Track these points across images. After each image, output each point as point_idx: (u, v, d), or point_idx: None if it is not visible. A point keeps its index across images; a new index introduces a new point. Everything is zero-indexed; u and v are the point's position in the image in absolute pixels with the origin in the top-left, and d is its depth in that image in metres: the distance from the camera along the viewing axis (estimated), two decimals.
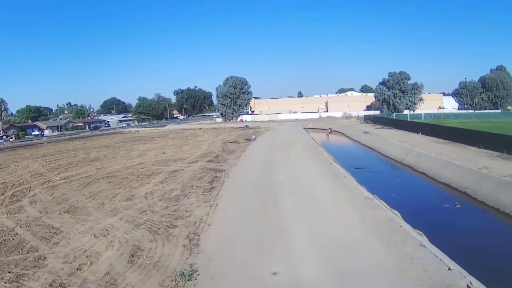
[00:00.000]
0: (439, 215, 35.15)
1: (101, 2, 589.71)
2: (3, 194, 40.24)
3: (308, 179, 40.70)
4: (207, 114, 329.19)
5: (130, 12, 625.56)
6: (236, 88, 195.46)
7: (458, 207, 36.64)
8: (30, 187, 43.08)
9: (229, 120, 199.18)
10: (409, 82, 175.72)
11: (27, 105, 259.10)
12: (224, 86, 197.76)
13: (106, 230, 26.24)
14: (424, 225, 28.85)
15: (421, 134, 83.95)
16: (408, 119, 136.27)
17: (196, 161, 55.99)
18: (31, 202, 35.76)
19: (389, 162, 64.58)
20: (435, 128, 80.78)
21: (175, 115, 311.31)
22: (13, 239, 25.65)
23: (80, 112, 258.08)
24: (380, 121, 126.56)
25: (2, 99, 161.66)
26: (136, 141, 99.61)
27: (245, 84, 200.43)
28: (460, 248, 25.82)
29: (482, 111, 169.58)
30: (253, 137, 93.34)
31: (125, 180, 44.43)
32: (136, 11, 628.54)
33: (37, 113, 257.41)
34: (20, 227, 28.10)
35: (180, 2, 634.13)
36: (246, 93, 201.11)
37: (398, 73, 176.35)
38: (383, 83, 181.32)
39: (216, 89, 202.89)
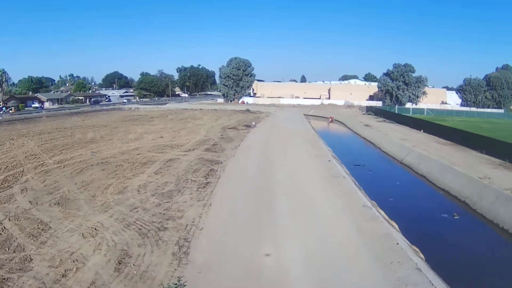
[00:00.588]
0: (437, 227, 34.44)
1: None
2: None
3: (305, 180, 39.96)
4: (209, 93, 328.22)
5: None
6: (240, 69, 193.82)
7: (456, 219, 35.90)
8: (23, 171, 42.30)
9: (231, 101, 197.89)
10: (414, 75, 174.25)
11: (28, 76, 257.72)
12: (228, 67, 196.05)
13: (95, 229, 25.58)
14: (421, 239, 28.52)
15: (423, 132, 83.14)
16: (411, 113, 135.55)
17: (193, 149, 55.34)
18: (22, 190, 35.00)
19: (389, 160, 63.83)
20: (437, 128, 79.86)
21: (177, 93, 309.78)
22: (1, 234, 24.97)
23: (81, 85, 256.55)
24: (382, 114, 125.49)
25: (3, 70, 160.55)
26: (135, 121, 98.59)
27: (249, 66, 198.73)
28: (456, 269, 25.27)
29: (485, 109, 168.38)
30: (253, 123, 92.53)
31: (119, 168, 43.73)
32: None
33: (39, 85, 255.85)
34: (9, 219, 27.41)
35: None
36: (249, 75, 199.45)
37: (403, 65, 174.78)
38: (387, 74, 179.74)
39: (219, 69, 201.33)
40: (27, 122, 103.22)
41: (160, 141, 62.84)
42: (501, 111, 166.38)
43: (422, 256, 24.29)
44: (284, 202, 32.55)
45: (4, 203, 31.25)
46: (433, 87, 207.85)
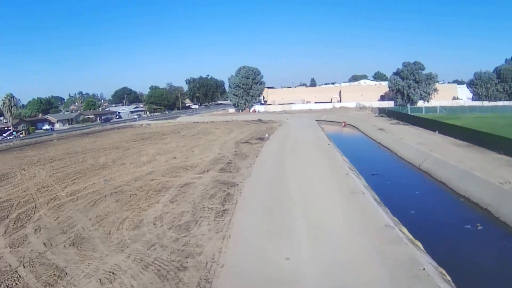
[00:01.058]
0: (461, 241, 33.46)
1: None
2: (7, 216, 38.73)
3: (323, 200, 38.72)
4: (219, 102, 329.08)
5: (141, 1, 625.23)
6: (249, 78, 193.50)
7: (479, 229, 34.68)
8: (35, 207, 41.57)
9: (242, 110, 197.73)
10: (423, 72, 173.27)
11: (37, 97, 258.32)
12: (237, 76, 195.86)
13: (113, 273, 24.67)
14: (447, 257, 27.69)
15: (438, 133, 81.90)
16: (423, 113, 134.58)
17: (207, 170, 54.42)
18: (35, 230, 34.21)
19: (406, 167, 62.80)
20: (452, 129, 78.40)
21: (187, 104, 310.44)
22: (16, 284, 24.18)
23: (91, 103, 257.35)
24: (395, 116, 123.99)
25: (11, 94, 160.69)
26: (147, 140, 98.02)
27: (258, 74, 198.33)
28: None
29: (497, 102, 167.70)
30: (266, 135, 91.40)
31: (134, 197, 42.83)
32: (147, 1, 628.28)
33: (48, 105, 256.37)
34: (24, 266, 26.60)
35: None
36: (258, 83, 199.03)
37: (412, 63, 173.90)
38: (397, 73, 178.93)
39: (229, 79, 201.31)
40: (38, 146, 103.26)
41: (173, 162, 62.00)
42: None
43: (449, 278, 23.36)
44: (302, 228, 31.37)
45: (18, 247, 30.46)
46: (443, 82, 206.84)
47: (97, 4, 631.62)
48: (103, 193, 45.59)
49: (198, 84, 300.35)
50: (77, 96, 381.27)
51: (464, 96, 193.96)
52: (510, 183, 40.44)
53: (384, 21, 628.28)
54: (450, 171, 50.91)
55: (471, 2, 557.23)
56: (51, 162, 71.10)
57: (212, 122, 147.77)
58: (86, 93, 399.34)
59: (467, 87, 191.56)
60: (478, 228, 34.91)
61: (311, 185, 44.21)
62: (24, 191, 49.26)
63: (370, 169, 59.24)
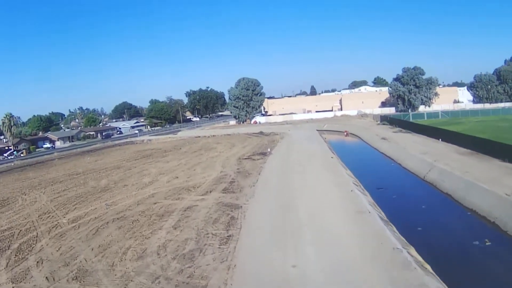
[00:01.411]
0: (470, 259, 32.74)
1: (110, 5, 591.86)
2: (9, 247, 38.26)
3: (328, 220, 37.96)
4: (220, 113, 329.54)
5: (139, 14, 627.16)
6: (249, 90, 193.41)
7: (488, 245, 33.93)
8: (37, 236, 41.04)
9: (243, 122, 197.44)
10: (424, 77, 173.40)
11: (37, 115, 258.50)
12: (236, 88, 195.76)
13: None
14: (457, 279, 27.38)
15: (441, 140, 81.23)
16: (425, 118, 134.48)
17: (210, 191, 53.68)
18: (37, 262, 33.55)
19: (411, 178, 62.17)
20: (456, 136, 77.54)
21: (188, 117, 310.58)
22: None
23: (91, 119, 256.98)
24: (397, 123, 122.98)
25: (11, 114, 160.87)
26: (148, 158, 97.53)
27: (257, 86, 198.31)
28: None
29: (498, 104, 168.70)
30: (269, 150, 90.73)
31: (136, 223, 42.12)
32: (145, 13, 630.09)
33: (48, 123, 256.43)
34: None
35: (188, 3, 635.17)
36: (258, 94, 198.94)
37: (412, 68, 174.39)
38: (397, 79, 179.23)
39: (228, 91, 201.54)
40: (39, 167, 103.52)
41: (175, 183, 61.34)
42: None
43: None
44: (310, 256, 30.61)
45: (21, 282, 29.87)
46: (443, 84, 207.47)
47: (96, 19, 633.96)
48: (105, 219, 44.95)
49: (198, 97, 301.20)
50: (78, 111, 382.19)
51: (465, 98, 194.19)
52: None
53: (382, 25, 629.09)
54: (456, 183, 50.23)
55: (468, 2, 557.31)
56: (52, 184, 70.67)
57: (213, 136, 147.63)
58: (87, 108, 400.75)
59: (468, 90, 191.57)
60: (487, 244, 34.17)
61: (315, 205, 43.28)
62: (26, 218, 48.86)
63: (375, 182, 58.76)
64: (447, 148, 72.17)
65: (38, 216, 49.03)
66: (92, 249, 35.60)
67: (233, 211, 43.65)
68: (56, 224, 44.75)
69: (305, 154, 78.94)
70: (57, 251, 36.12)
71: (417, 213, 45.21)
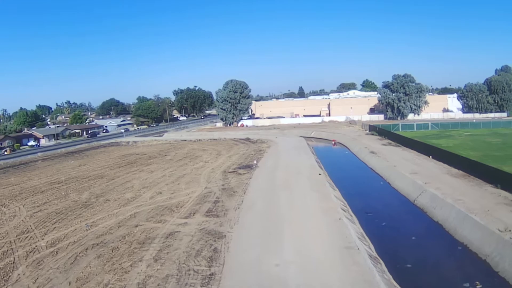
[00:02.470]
0: None
1: (101, 3, 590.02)
2: None
3: (315, 260, 36.30)
4: (207, 112, 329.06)
5: (130, 13, 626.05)
6: (236, 92, 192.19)
7: None
8: (14, 262, 39.34)
9: (230, 124, 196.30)
10: (413, 84, 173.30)
11: (24, 109, 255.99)
12: (224, 90, 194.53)
13: None
14: None
15: (432, 158, 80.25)
16: (415, 129, 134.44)
17: (193, 213, 52.07)
18: None
19: (401, 200, 61.17)
20: (447, 156, 76.22)
21: (175, 116, 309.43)
22: None
23: (77, 116, 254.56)
24: (386, 135, 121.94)
25: None
26: (132, 166, 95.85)
27: (245, 88, 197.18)
28: None
29: (488, 114, 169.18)
30: (255, 162, 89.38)
31: (116, 252, 40.30)
32: (136, 13, 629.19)
33: (34, 118, 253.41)
34: None
35: (178, 4, 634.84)
36: (246, 97, 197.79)
37: (402, 76, 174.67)
38: (386, 86, 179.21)
39: (216, 93, 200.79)
40: (22, 169, 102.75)
41: (158, 200, 59.65)
42: (504, 114, 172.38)
43: None
44: None
45: None
46: (432, 88, 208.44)
47: (87, 14, 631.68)
48: (85, 243, 43.20)
49: (185, 96, 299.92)
50: (65, 106, 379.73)
51: (454, 107, 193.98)
52: (510, 231, 38.43)
53: (373, 28, 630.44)
54: (448, 212, 48.98)
55: (459, 12, 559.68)
56: (33, 195, 68.86)
57: (199, 140, 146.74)
58: (74, 103, 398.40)
59: (458, 100, 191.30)
60: (477, 287, 32.95)
61: (302, 238, 41.83)
62: (4, 237, 47.30)
63: (363, 204, 58.32)
64: (438, 168, 71.14)
65: (16, 236, 47.25)
66: (70, 283, 33.87)
67: (216, 241, 41.92)
68: (34, 248, 42.95)
69: (293, 171, 77.26)
70: (33, 283, 34.38)
71: (407, 246, 43.88)
